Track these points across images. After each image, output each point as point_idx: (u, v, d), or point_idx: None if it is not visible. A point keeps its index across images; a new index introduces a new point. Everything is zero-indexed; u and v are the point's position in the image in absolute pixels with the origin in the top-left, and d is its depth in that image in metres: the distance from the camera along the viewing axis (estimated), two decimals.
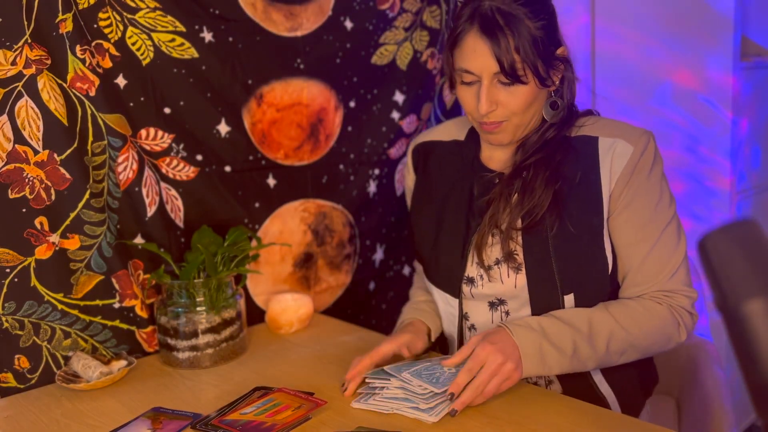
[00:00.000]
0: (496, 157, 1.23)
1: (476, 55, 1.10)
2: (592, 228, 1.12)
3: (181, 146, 1.41)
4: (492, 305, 1.19)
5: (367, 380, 1.13)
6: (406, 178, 1.40)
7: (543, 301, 1.13)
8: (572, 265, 1.12)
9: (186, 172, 1.43)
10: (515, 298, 1.16)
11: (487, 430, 1.00)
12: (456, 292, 1.21)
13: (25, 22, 1.18)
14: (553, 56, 1.13)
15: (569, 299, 1.13)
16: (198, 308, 1.30)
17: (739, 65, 2.00)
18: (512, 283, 1.15)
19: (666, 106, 2.13)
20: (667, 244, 1.11)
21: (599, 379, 1.17)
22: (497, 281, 1.16)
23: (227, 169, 1.48)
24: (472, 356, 1.05)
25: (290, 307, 1.48)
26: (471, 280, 1.19)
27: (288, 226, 1.59)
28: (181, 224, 1.43)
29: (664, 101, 2.13)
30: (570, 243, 1.12)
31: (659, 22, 2.11)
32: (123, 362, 1.28)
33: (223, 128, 1.46)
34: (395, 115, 1.69)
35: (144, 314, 1.36)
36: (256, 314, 1.55)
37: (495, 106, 1.12)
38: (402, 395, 1.07)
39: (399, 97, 1.69)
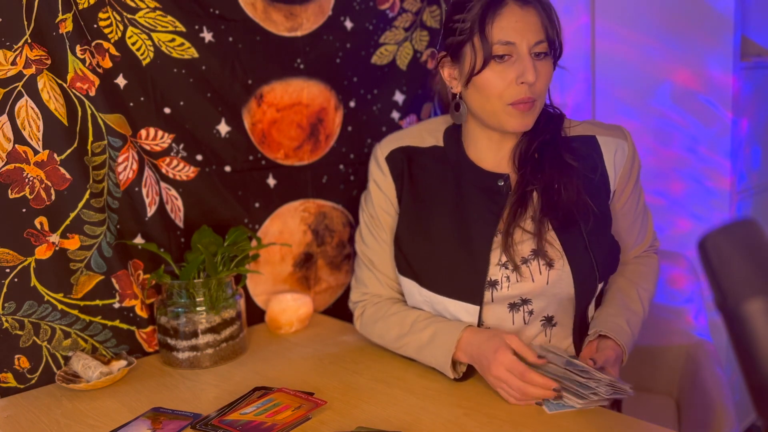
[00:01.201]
0: (491, 158, 1.22)
1: (519, 24, 1.11)
2: (608, 217, 1.20)
3: (181, 146, 1.41)
4: (513, 306, 1.17)
5: (563, 376, 1.06)
6: (381, 185, 1.30)
7: (586, 293, 1.18)
8: (604, 254, 1.19)
9: (186, 172, 1.43)
10: (542, 295, 1.16)
11: (486, 430, 1.00)
12: (477, 298, 1.16)
13: (25, 22, 1.18)
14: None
15: (600, 286, 1.20)
16: (198, 308, 1.30)
17: (739, 65, 2.00)
18: (544, 279, 1.15)
19: (666, 106, 2.13)
20: (648, 213, 1.32)
21: None
22: (527, 279, 1.15)
23: (227, 169, 1.48)
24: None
25: (290, 307, 1.48)
26: (494, 283, 1.16)
27: (288, 226, 1.59)
28: (181, 224, 1.43)
29: (664, 101, 2.13)
30: (599, 234, 1.18)
31: (659, 22, 2.11)
32: (123, 362, 1.28)
33: (223, 128, 1.46)
34: (395, 115, 1.69)
35: (144, 314, 1.36)
36: (256, 314, 1.55)
37: (536, 78, 1.12)
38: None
39: (399, 97, 1.69)
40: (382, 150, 1.31)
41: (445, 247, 1.19)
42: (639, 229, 1.30)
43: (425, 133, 1.30)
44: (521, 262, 1.16)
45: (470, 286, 1.17)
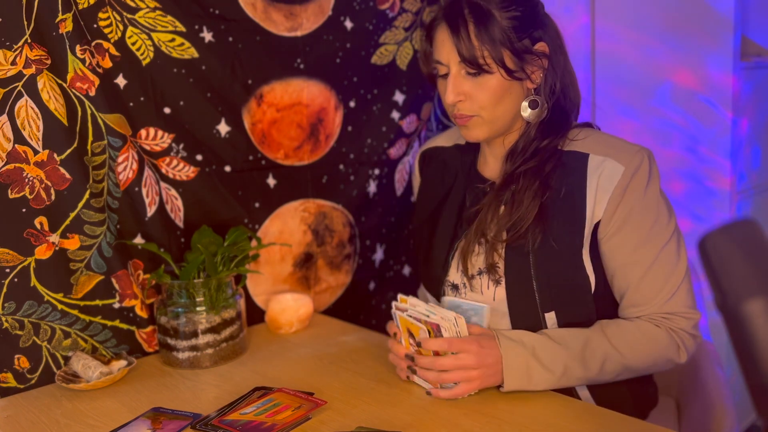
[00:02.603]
0: (490, 164, 1.23)
1: (443, 45, 1.13)
2: (573, 246, 1.10)
3: (181, 146, 1.41)
4: None
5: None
6: (414, 185, 1.43)
7: (523, 318, 1.12)
8: (553, 282, 1.10)
9: (186, 172, 1.43)
10: (494, 310, 1.15)
11: (486, 430, 1.00)
12: (439, 297, 1.22)
13: (25, 22, 1.18)
14: (526, 50, 1.11)
15: (550, 317, 1.11)
16: (198, 308, 1.30)
17: (739, 65, 2.00)
18: (491, 295, 1.14)
19: (666, 106, 2.13)
20: (665, 265, 1.08)
21: (585, 396, 1.15)
22: (477, 292, 1.16)
23: (227, 169, 1.48)
24: (458, 353, 1.05)
25: (290, 307, 1.48)
26: (456, 287, 1.19)
27: (288, 226, 1.59)
28: (181, 224, 1.43)
29: (664, 101, 2.13)
30: (551, 260, 1.10)
31: (659, 22, 2.11)
32: (123, 362, 1.28)
33: (223, 128, 1.46)
34: (395, 115, 1.69)
35: (144, 314, 1.36)
36: (256, 314, 1.55)
37: (462, 96, 1.12)
38: None
39: (399, 97, 1.69)
40: (419, 151, 1.42)
41: (429, 244, 1.26)
42: (639, 279, 1.08)
43: (458, 132, 1.34)
44: (477, 273, 1.15)
45: (435, 285, 1.24)
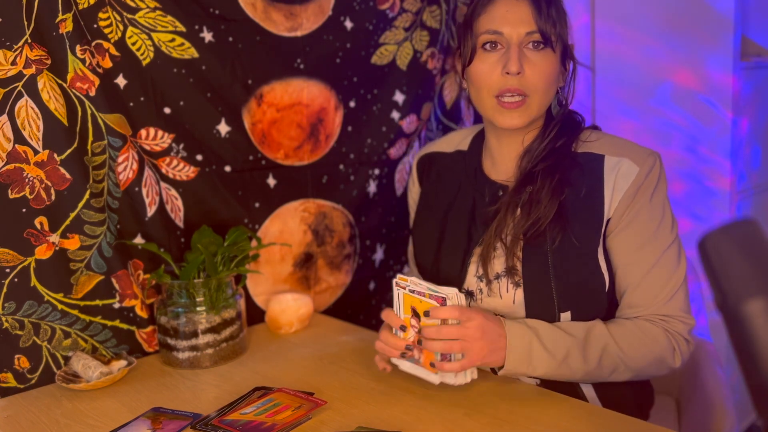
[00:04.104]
0: (500, 165, 1.22)
1: (510, 14, 1.10)
2: (590, 245, 1.11)
3: (181, 146, 1.41)
4: None
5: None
6: (411, 190, 1.40)
7: (538, 317, 1.12)
8: (570, 281, 1.10)
9: (186, 172, 1.43)
10: (513, 314, 1.14)
11: (486, 430, 1.00)
12: None
13: (25, 22, 1.18)
14: (568, 44, 1.15)
15: (566, 317, 1.11)
16: (198, 308, 1.30)
17: (739, 65, 2.00)
18: (511, 298, 1.13)
19: (666, 106, 2.13)
20: (666, 268, 1.10)
21: (589, 391, 1.15)
22: (496, 296, 1.14)
23: (227, 169, 1.48)
24: (465, 322, 1.03)
25: (290, 307, 1.48)
26: (470, 294, 1.18)
27: (288, 226, 1.59)
28: (181, 224, 1.43)
29: (664, 101, 2.14)
30: (569, 259, 1.10)
31: (659, 22, 2.11)
32: (123, 362, 1.28)
33: (223, 128, 1.46)
34: (395, 115, 1.69)
35: (144, 314, 1.36)
36: (256, 314, 1.55)
37: (522, 70, 1.09)
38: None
39: (399, 97, 1.69)
40: (416, 157, 1.40)
41: (438, 251, 1.23)
42: (639, 279, 1.10)
43: (458, 137, 1.33)
44: (494, 278, 1.14)
45: None
